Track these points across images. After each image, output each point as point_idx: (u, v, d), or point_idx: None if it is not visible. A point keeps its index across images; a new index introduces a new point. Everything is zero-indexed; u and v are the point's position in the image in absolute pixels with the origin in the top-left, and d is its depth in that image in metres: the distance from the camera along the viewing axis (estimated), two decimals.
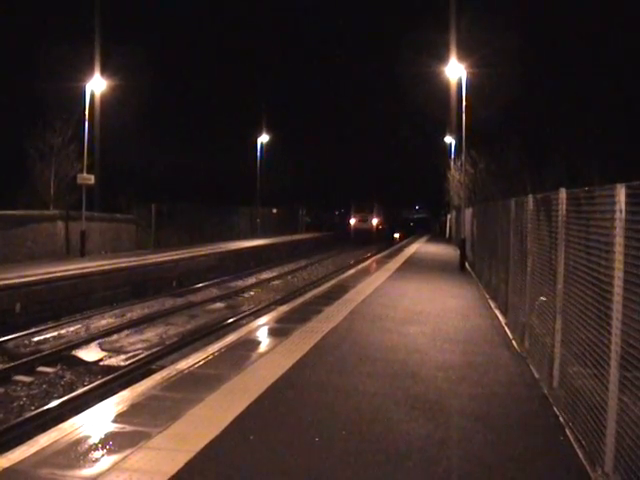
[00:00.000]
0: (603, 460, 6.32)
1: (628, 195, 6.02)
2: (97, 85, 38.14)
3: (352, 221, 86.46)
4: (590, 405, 6.84)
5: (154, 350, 17.17)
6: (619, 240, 6.12)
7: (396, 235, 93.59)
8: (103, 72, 38.98)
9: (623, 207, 6.08)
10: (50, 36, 61.25)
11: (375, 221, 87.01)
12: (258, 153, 68.38)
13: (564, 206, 8.68)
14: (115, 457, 6.73)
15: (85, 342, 17.93)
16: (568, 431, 7.69)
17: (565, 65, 40.96)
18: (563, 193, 8.76)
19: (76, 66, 39.80)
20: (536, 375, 10.39)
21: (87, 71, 38.38)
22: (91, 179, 36.56)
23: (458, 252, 33.20)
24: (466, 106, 32.43)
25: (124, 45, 51.63)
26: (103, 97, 40.42)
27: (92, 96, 37.97)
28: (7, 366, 15.21)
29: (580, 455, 7.00)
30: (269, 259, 46.32)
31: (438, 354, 11.94)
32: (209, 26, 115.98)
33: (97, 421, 7.92)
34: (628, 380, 5.83)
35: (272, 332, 14.23)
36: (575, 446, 7.25)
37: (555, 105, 40.29)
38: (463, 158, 36.72)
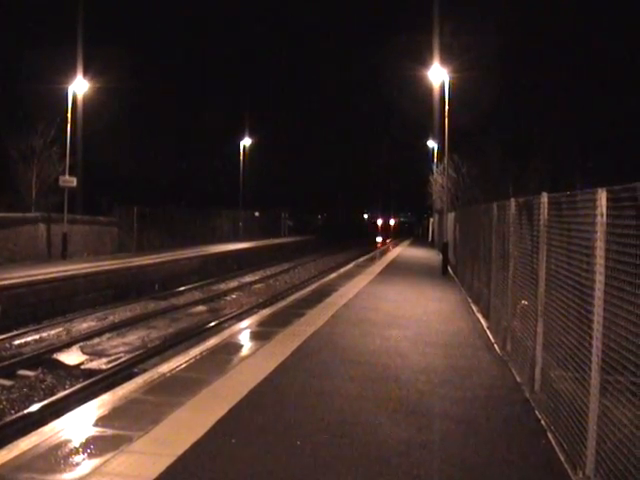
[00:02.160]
0: (584, 463, 6.34)
1: (609, 199, 6.05)
2: (79, 87, 38.00)
3: (379, 222, 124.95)
4: (571, 408, 6.87)
5: (136, 353, 17.09)
6: (600, 244, 6.15)
7: (378, 239, 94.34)
8: (86, 74, 38.84)
9: (604, 211, 6.11)
10: (33, 37, 60.97)
11: (392, 222, 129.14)
12: (241, 156, 68.33)
13: (546, 210, 8.71)
14: (96, 461, 6.69)
15: (66, 345, 17.81)
16: (550, 434, 7.72)
17: (548, 70, 41.17)
18: (545, 197, 8.79)
19: (59, 68, 39.67)
20: (518, 379, 10.41)
21: (70, 73, 38.25)
22: (73, 181, 36.41)
23: (440, 256, 33.32)
24: (449, 110, 32.53)
25: (107, 47, 51.32)
26: (86, 99, 40.24)
27: (74, 98, 37.83)
28: None
29: (561, 458, 7.02)
30: (252, 262, 46.22)
31: (420, 357, 11.96)
32: (192, 28, 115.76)
33: (78, 425, 7.87)
34: (609, 383, 5.86)
35: (254, 335, 14.21)
36: (557, 449, 7.28)
37: (537, 109, 40.49)
38: (445, 162, 36.77)
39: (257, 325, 15.41)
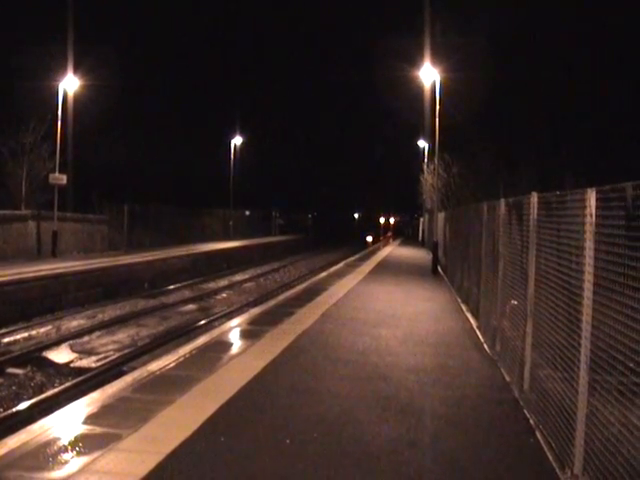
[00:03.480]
0: (572, 462, 6.36)
1: (598, 199, 6.07)
2: (70, 84, 37.86)
3: (382, 219, 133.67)
4: (560, 408, 6.89)
5: (125, 352, 17.08)
6: (589, 244, 6.17)
7: (369, 238, 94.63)
8: (76, 71, 38.69)
9: (593, 211, 6.13)
10: (23, 34, 60.75)
11: (393, 220, 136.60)
12: (232, 155, 68.28)
13: (535, 210, 8.74)
14: (85, 459, 6.68)
15: (56, 343, 17.77)
16: (538, 433, 7.74)
17: (538, 68, 41.27)
18: (534, 197, 8.82)
19: (49, 65, 39.54)
20: (507, 378, 10.44)
21: (60, 70, 38.11)
22: (63, 179, 36.28)
23: (430, 255, 33.34)
24: (440, 110, 32.56)
25: (98, 44, 51.27)
26: (76, 96, 40.10)
27: (65, 95, 37.71)
28: None
29: (550, 457, 7.05)
30: (242, 261, 46.22)
31: (410, 357, 11.97)
32: (184, 27, 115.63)
33: (67, 423, 7.85)
34: (597, 383, 5.88)
35: (244, 334, 14.21)
36: (545, 448, 7.30)
37: (528, 109, 40.56)
38: (436, 161, 36.79)
39: (247, 324, 15.41)
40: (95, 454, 6.80)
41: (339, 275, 28.04)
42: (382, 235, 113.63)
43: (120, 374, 12.77)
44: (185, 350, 12.05)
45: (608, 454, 5.43)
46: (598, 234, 6.04)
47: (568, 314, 6.79)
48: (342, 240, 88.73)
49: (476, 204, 17.09)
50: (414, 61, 37.04)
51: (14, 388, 13.90)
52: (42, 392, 13.50)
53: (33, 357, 16.27)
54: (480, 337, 14.07)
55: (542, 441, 7.51)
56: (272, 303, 19.27)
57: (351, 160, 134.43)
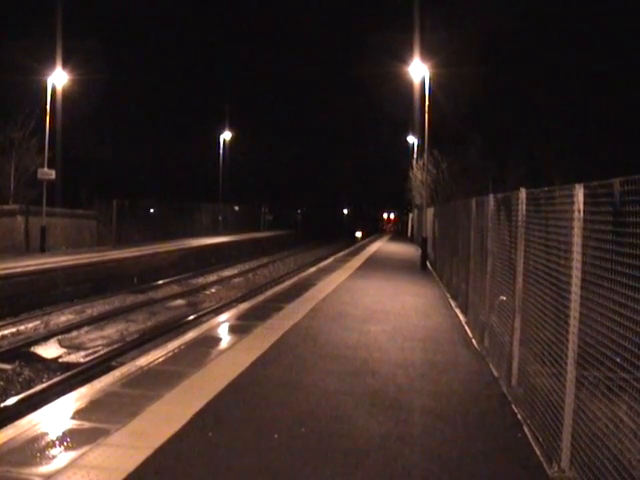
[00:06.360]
0: (559, 456, 6.39)
1: (586, 195, 6.09)
2: (59, 79, 37.69)
3: (385, 215, 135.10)
4: (548, 403, 6.92)
5: (114, 347, 17.04)
6: (577, 240, 6.20)
7: (358, 234, 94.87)
8: (65, 66, 38.53)
9: (581, 207, 6.15)
10: (12, 28, 60.46)
11: (392, 216, 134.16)
12: (221, 150, 68.22)
13: (524, 206, 8.76)
14: (73, 454, 6.66)
15: (44, 339, 17.71)
16: (526, 428, 7.77)
17: (527, 65, 41.37)
18: (523, 193, 8.84)
19: (38, 59, 39.37)
20: (495, 373, 10.47)
21: (49, 64, 37.97)
22: (52, 174, 36.18)
23: (419, 251, 33.38)
24: (429, 106, 32.59)
25: (87, 39, 51.11)
26: (65, 91, 39.94)
27: (54, 90, 37.55)
28: None
29: (537, 452, 7.08)
30: (231, 256, 46.14)
31: (398, 352, 11.99)
32: (173, 22, 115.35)
33: (55, 418, 7.83)
34: (585, 378, 5.90)
35: (233, 329, 14.20)
36: (532, 443, 7.33)
37: (517, 106, 40.68)
38: (425, 157, 36.84)
39: (236, 319, 15.40)
40: (83, 449, 6.78)
41: (328, 270, 28.03)
42: (385, 226, 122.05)
43: (109, 369, 12.74)
44: (174, 345, 12.04)
45: (595, 449, 5.46)
46: (586, 230, 6.06)
47: (556, 310, 6.81)
48: (331, 236, 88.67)
49: (465, 200, 17.12)
50: (404, 57, 37.06)
51: (1, 383, 13.85)
52: (30, 387, 13.46)
53: (21, 352, 16.21)
54: (469, 332, 14.11)
55: (530, 436, 7.54)
56: (261, 298, 19.26)
57: (340, 156, 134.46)
